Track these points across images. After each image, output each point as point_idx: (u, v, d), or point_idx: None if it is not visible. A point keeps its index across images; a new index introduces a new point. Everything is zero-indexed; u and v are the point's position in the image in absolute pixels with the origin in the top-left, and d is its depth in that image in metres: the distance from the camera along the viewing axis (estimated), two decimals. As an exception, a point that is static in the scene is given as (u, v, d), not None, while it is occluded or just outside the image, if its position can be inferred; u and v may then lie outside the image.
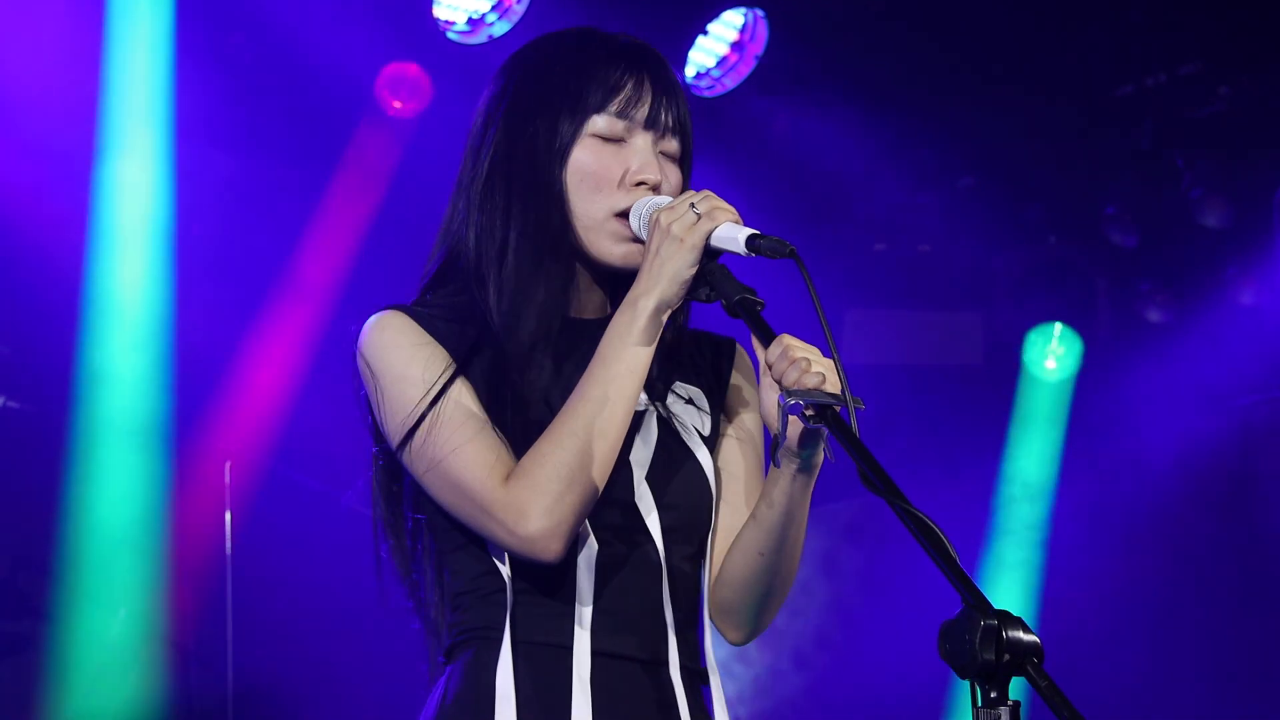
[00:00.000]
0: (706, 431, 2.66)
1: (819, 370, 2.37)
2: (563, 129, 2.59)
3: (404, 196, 6.44)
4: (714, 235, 2.46)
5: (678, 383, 2.67)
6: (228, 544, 6.14)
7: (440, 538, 2.60)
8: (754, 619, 2.67)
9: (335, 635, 6.92)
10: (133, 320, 6.41)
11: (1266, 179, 7.39)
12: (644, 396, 2.59)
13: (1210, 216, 7.42)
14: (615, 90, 2.60)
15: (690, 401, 2.66)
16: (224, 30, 5.99)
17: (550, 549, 2.43)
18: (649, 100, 2.60)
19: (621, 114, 2.59)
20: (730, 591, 2.64)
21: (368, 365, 2.58)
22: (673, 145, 2.63)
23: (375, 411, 2.59)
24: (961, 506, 8.22)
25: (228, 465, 6.18)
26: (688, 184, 2.67)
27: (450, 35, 6.07)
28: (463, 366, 2.54)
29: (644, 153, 2.59)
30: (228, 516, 6.16)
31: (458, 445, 2.47)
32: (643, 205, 2.57)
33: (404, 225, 6.37)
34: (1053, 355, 8.19)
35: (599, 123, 2.59)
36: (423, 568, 2.64)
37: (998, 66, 6.97)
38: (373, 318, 2.61)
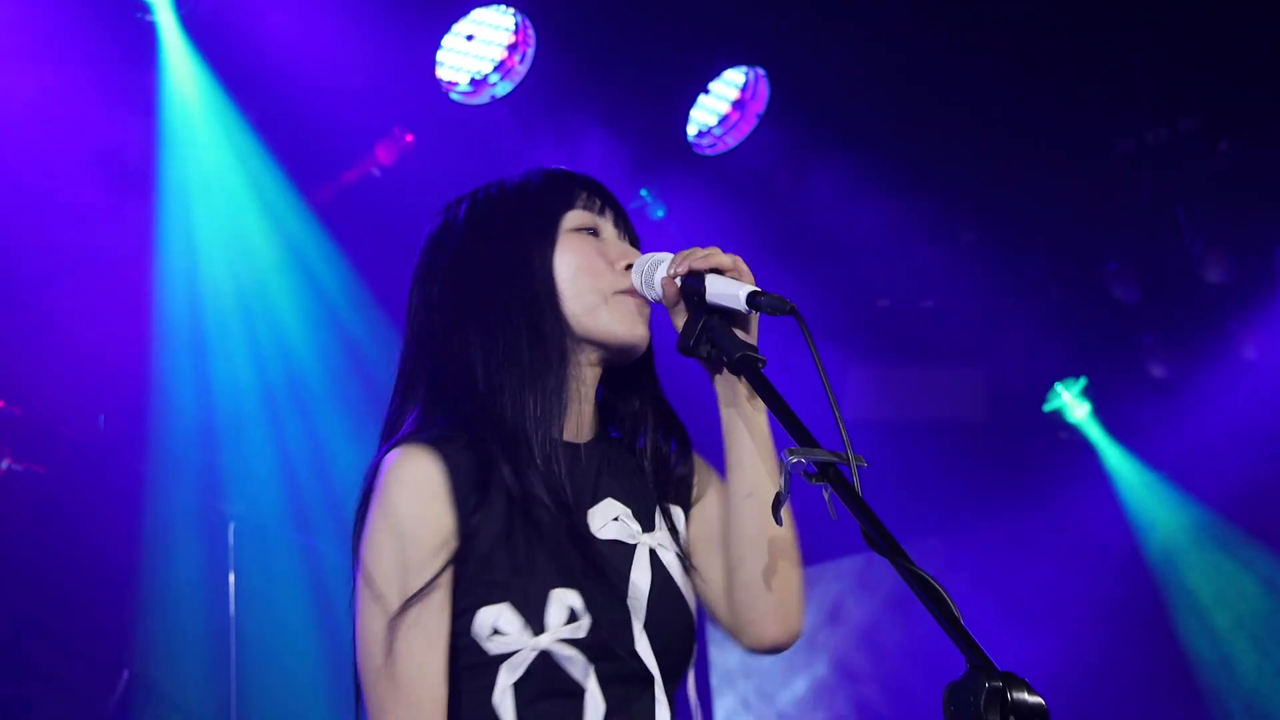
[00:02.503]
0: (682, 547, 2.68)
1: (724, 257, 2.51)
2: (544, 232, 2.65)
3: (404, 262, 6.46)
4: (714, 291, 2.48)
5: (662, 506, 2.69)
6: (231, 605, 6.12)
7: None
8: (775, 595, 2.61)
9: (340, 698, 6.89)
10: (142, 383, 6.44)
11: (1267, 234, 7.40)
12: (636, 527, 2.62)
13: (1212, 271, 7.43)
14: (576, 189, 2.69)
15: (673, 529, 2.68)
16: (237, 86, 6.04)
17: None
18: (606, 198, 2.71)
19: (589, 207, 2.68)
20: (743, 570, 2.61)
21: (370, 522, 2.55)
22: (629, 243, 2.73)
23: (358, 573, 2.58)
24: (982, 559, 8.22)
25: (231, 527, 6.18)
26: None
27: (453, 96, 6.10)
28: (476, 527, 2.52)
29: (618, 243, 2.69)
30: (231, 578, 6.15)
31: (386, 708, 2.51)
32: (643, 262, 2.60)
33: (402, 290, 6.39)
34: (1074, 406, 8.23)
35: (573, 218, 2.67)
36: None
37: (999, 123, 6.99)
38: (396, 456, 2.55)
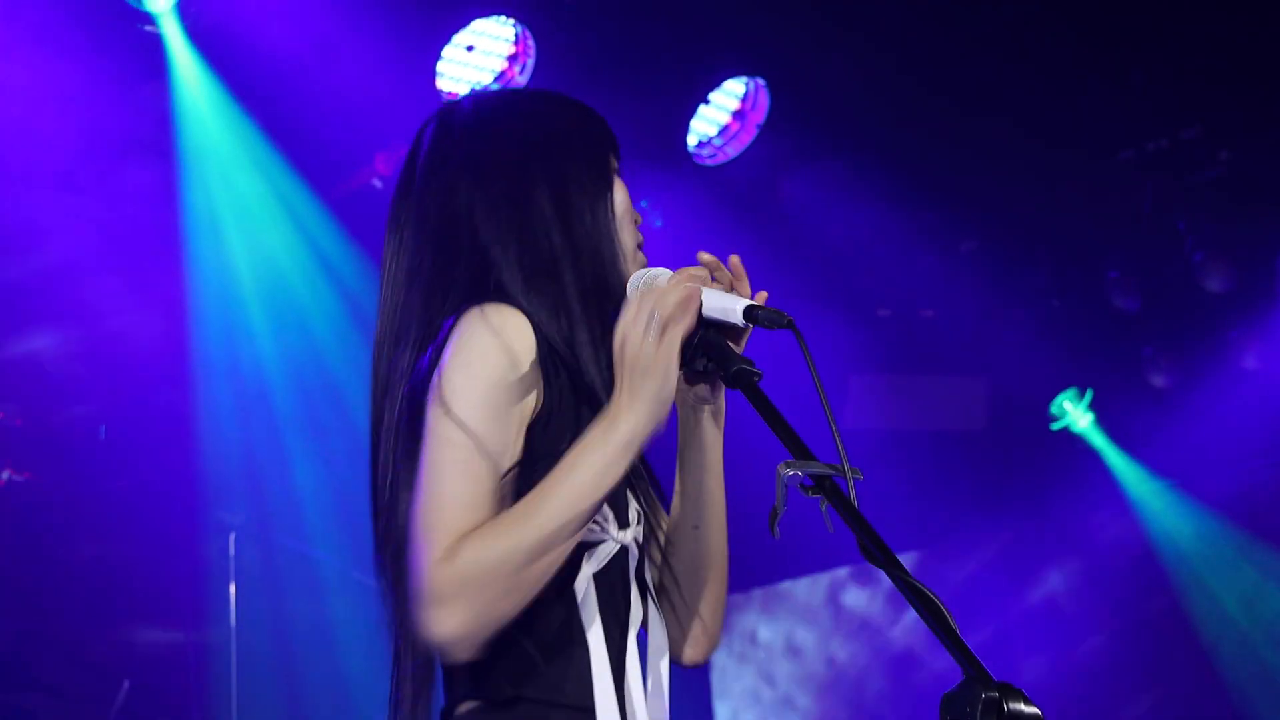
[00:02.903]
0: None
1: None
2: (601, 169, 2.63)
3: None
4: (709, 306, 2.46)
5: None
6: (232, 616, 6.13)
7: None
8: (704, 621, 2.66)
9: (341, 708, 6.89)
10: (142, 393, 6.45)
11: (1268, 243, 7.40)
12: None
13: (1212, 280, 7.43)
14: (608, 131, 2.69)
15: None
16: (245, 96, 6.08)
17: (457, 657, 2.34)
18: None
19: (615, 151, 2.68)
20: (681, 592, 2.64)
21: (452, 355, 2.38)
22: None
23: (428, 415, 2.39)
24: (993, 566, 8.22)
25: (232, 537, 6.18)
26: None
27: (453, 107, 6.11)
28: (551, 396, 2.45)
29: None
30: (232, 588, 6.16)
31: (447, 497, 2.33)
32: (639, 277, 2.55)
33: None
34: (1077, 415, 8.25)
35: (613, 162, 2.66)
36: None
37: (999, 132, 7.00)
38: (487, 308, 2.42)
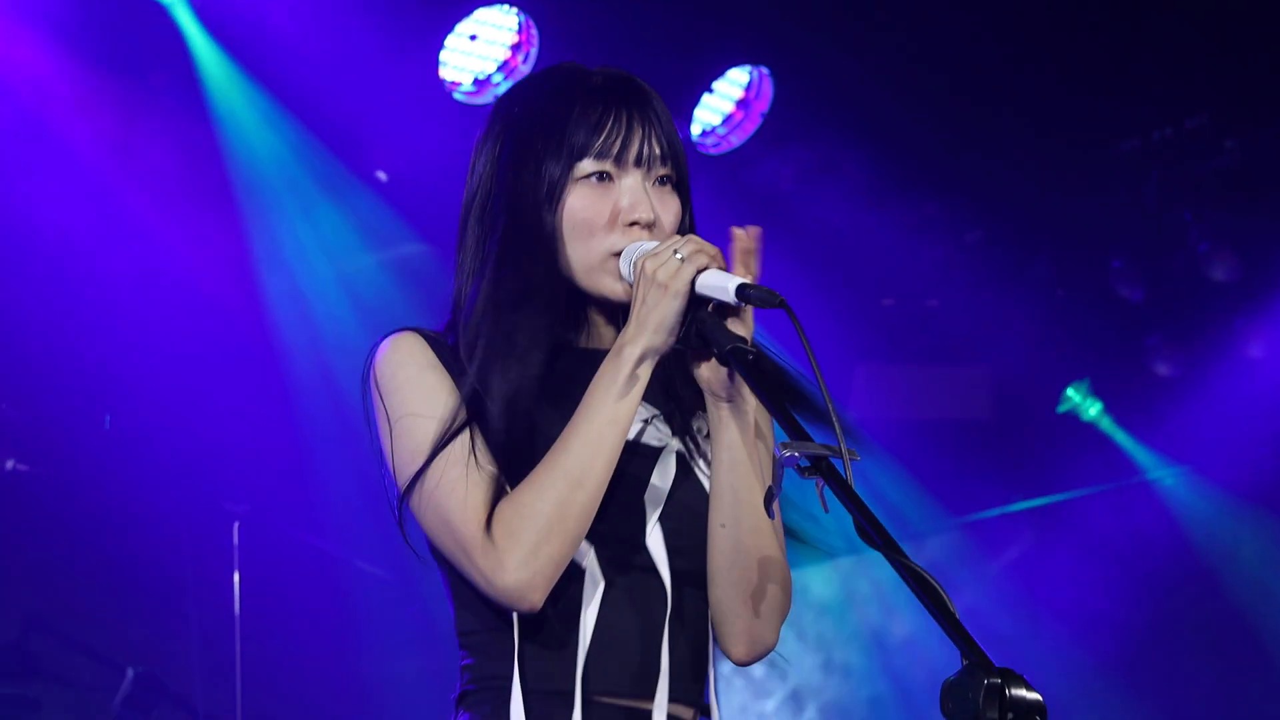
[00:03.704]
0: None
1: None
2: (550, 176, 2.55)
3: (413, 260, 6.50)
4: (703, 284, 2.44)
5: (700, 414, 2.62)
6: (236, 605, 6.13)
7: (452, 577, 2.57)
8: (744, 619, 2.56)
9: (344, 696, 6.90)
10: (146, 382, 6.45)
11: (1273, 232, 7.38)
12: (667, 430, 2.59)
13: (1218, 270, 7.41)
14: (597, 131, 2.55)
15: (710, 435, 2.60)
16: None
17: (527, 600, 2.42)
18: (633, 136, 2.56)
19: (605, 155, 2.55)
20: (716, 589, 2.57)
21: (378, 391, 2.58)
22: (666, 173, 2.60)
23: (382, 440, 2.57)
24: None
25: (235, 526, 6.18)
26: (688, 209, 2.66)
27: (456, 96, 6.12)
28: (470, 399, 2.50)
29: (634, 190, 2.55)
30: (236, 577, 6.16)
31: (451, 481, 2.45)
32: (633, 251, 2.53)
33: (418, 279, 6.45)
34: (1088, 406, 8.23)
35: (585, 166, 2.55)
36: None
37: (1004, 121, 6.99)
38: (386, 340, 2.60)
